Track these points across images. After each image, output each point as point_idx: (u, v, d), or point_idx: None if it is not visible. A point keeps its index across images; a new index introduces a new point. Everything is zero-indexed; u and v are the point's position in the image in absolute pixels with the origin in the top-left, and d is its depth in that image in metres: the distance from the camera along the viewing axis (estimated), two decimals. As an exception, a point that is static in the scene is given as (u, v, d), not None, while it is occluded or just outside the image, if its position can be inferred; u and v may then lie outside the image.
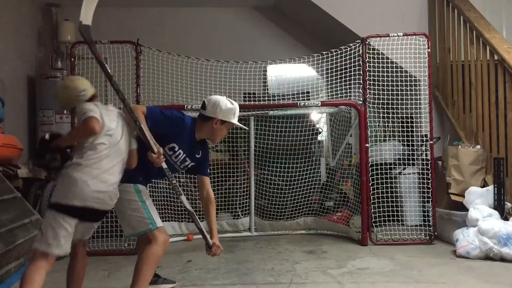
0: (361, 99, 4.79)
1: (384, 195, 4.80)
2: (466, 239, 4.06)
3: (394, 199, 4.85)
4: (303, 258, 4.14)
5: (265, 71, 5.81)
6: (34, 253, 2.51)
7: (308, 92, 5.46)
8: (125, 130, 2.76)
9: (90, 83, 2.85)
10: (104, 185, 2.57)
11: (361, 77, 4.77)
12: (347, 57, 4.89)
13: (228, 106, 2.95)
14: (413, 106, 4.97)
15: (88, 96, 2.76)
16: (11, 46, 5.52)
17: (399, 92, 4.91)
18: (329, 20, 5.76)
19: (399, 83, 4.91)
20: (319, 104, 4.87)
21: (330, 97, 5.20)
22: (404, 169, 5.13)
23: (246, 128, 3.02)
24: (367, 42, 4.79)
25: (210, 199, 3.19)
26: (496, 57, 4.69)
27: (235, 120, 2.98)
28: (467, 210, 4.30)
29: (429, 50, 4.81)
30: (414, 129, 5.14)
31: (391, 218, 4.79)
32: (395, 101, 4.94)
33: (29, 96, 5.90)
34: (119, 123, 2.74)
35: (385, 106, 5.00)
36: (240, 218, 5.35)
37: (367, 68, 4.76)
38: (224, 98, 2.99)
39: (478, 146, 4.85)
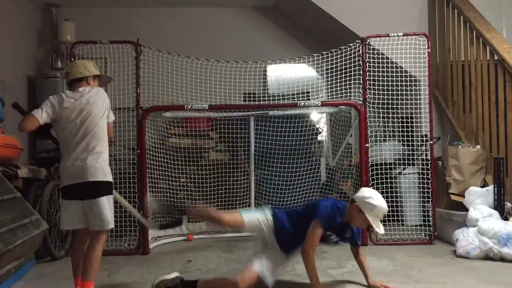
0: (361, 99, 4.79)
1: (384, 195, 4.78)
2: (466, 239, 4.06)
3: (394, 199, 4.85)
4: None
5: (265, 71, 5.82)
6: None
7: (308, 92, 5.46)
8: (89, 109, 2.98)
9: (83, 66, 3.13)
10: (70, 160, 2.89)
11: (361, 77, 4.78)
12: (347, 57, 4.89)
13: (375, 203, 2.97)
14: (413, 106, 4.97)
15: (70, 79, 3.12)
16: (11, 46, 5.52)
17: (399, 92, 4.91)
18: (329, 20, 5.76)
19: (399, 83, 4.91)
20: (319, 104, 4.87)
21: (330, 97, 5.20)
22: (404, 169, 5.13)
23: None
24: (367, 42, 4.79)
25: (362, 260, 3.34)
26: (496, 57, 4.69)
27: (370, 217, 2.97)
28: (467, 210, 4.30)
29: (429, 50, 4.81)
30: (414, 129, 5.14)
31: (391, 218, 4.78)
32: (395, 101, 4.94)
33: (29, 96, 5.90)
34: (81, 104, 2.98)
35: (385, 106, 5.00)
36: (240, 218, 5.34)
37: (367, 68, 4.76)
38: (379, 196, 3.07)
39: (478, 146, 4.85)
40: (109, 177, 2.99)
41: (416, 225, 5.00)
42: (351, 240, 3.26)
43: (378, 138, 5.34)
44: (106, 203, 2.94)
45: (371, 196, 3.01)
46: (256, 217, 3.22)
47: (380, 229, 3.00)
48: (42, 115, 2.91)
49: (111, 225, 2.98)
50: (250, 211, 3.39)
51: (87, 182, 2.89)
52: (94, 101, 3.01)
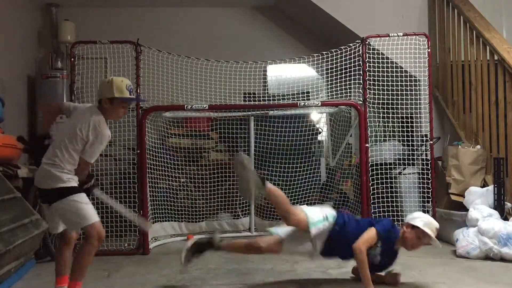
0: (361, 99, 4.79)
1: (384, 195, 4.80)
2: (466, 239, 4.06)
3: (394, 199, 4.85)
4: (303, 258, 4.13)
5: (265, 71, 5.81)
6: None
7: (308, 92, 5.46)
8: (62, 126, 3.04)
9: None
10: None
11: (361, 77, 4.78)
12: (347, 57, 4.89)
13: (424, 217, 3.24)
14: (413, 106, 4.97)
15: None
16: (11, 46, 5.52)
17: (399, 92, 4.91)
18: (329, 20, 5.76)
19: (399, 83, 4.91)
20: (319, 104, 4.87)
21: (330, 97, 5.20)
22: (404, 169, 5.12)
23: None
24: (367, 42, 4.79)
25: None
26: (496, 57, 4.69)
27: (425, 228, 3.17)
28: (467, 210, 4.30)
29: (429, 50, 4.81)
30: (414, 129, 5.13)
31: (391, 218, 4.78)
32: (395, 101, 4.94)
33: (29, 96, 5.89)
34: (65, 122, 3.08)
35: (385, 106, 5.00)
36: (240, 218, 5.35)
37: (367, 68, 4.76)
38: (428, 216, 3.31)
39: (478, 146, 4.85)
40: (61, 183, 2.84)
41: (416, 225, 4.99)
42: (383, 264, 3.29)
43: (378, 138, 5.34)
44: (69, 205, 2.83)
45: (419, 214, 3.29)
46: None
47: (435, 242, 3.17)
48: None
49: (84, 224, 2.83)
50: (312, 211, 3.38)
51: (45, 188, 2.88)
52: (74, 123, 2.92)
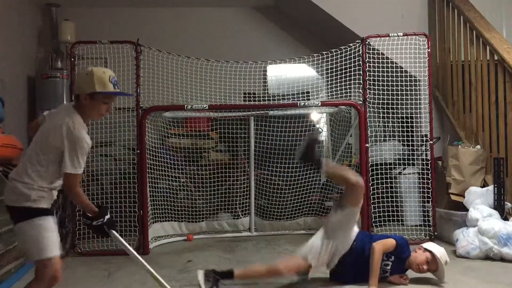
0: (361, 99, 4.78)
1: (384, 195, 4.80)
2: (466, 239, 4.06)
3: (394, 199, 4.85)
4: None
5: (265, 71, 5.81)
6: None
7: (308, 92, 5.46)
8: (37, 137, 2.53)
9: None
10: None
11: (361, 77, 4.77)
12: (347, 57, 4.89)
13: (442, 251, 3.43)
14: (413, 106, 4.97)
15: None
16: (11, 46, 5.52)
17: (399, 92, 4.91)
18: (329, 20, 5.76)
19: (399, 83, 4.90)
20: (319, 104, 4.87)
21: (330, 97, 5.20)
22: (404, 169, 5.13)
23: None
24: (367, 42, 4.79)
25: None
26: (496, 57, 4.69)
27: (435, 252, 3.41)
28: (467, 210, 4.30)
29: (429, 50, 4.81)
30: (414, 129, 5.13)
31: (391, 218, 4.79)
32: (395, 101, 4.94)
33: (29, 96, 5.89)
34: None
35: (385, 106, 5.00)
36: (240, 218, 5.35)
37: (367, 68, 4.76)
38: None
39: (478, 146, 4.85)
40: (27, 202, 2.41)
41: (416, 225, 5.00)
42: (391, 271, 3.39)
43: (378, 138, 5.34)
44: (31, 229, 2.40)
45: (437, 246, 3.48)
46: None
47: (441, 273, 3.36)
48: None
49: (40, 255, 2.38)
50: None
51: (10, 205, 2.47)
52: (46, 128, 2.49)
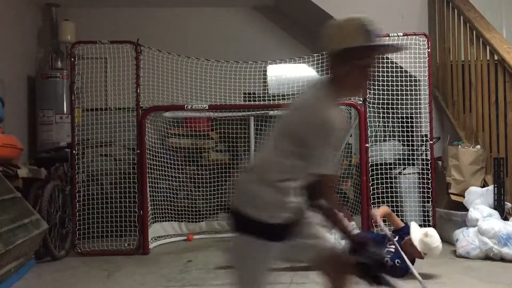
0: (361, 99, 4.78)
1: (384, 195, 4.80)
2: (466, 239, 4.06)
3: (394, 199, 4.85)
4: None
5: (265, 71, 5.81)
6: None
7: (308, 92, 5.45)
8: None
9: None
10: None
11: (361, 77, 4.76)
12: (347, 57, 4.88)
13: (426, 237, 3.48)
14: (413, 106, 4.97)
15: None
16: (11, 46, 5.52)
17: (399, 92, 4.91)
18: (329, 20, 5.75)
19: (399, 83, 4.90)
20: (319, 104, 4.85)
21: (330, 97, 5.18)
22: (404, 169, 5.12)
23: None
24: (367, 42, 4.78)
25: None
26: (496, 57, 4.69)
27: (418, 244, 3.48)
28: (467, 210, 4.29)
29: (429, 50, 4.81)
30: (414, 129, 5.13)
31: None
32: (395, 101, 4.94)
33: (29, 96, 5.89)
34: None
35: (385, 106, 5.00)
36: (240, 218, 5.34)
37: (367, 68, 4.75)
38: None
39: (478, 146, 4.85)
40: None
41: (416, 225, 4.99)
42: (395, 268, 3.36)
43: (378, 138, 5.34)
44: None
45: (431, 229, 3.55)
46: None
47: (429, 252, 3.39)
48: None
49: None
50: None
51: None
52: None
